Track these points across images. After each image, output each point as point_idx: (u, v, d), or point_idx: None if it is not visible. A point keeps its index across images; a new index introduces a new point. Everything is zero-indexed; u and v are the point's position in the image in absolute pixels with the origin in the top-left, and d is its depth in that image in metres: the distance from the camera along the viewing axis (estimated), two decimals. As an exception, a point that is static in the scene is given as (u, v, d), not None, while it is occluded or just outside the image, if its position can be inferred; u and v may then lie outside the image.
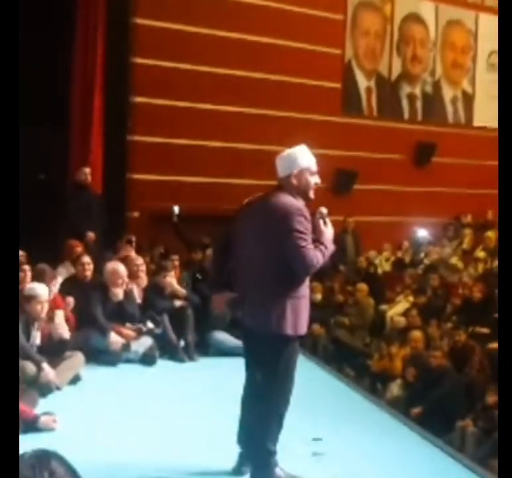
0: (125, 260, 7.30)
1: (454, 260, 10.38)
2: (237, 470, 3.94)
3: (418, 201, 12.20)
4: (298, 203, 3.74)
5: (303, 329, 3.80)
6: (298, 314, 3.73)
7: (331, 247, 3.79)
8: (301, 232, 3.62)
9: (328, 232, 3.82)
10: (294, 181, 3.79)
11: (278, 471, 3.80)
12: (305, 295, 3.81)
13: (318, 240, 3.74)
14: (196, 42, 10.74)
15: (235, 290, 3.94)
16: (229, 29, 11.03)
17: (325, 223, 3.85)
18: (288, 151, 3.89)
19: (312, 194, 3.86)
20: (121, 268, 6.75)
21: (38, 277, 6.20)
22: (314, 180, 3.87)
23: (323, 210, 3.88)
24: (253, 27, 11.17)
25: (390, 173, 12.36)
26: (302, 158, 3.85)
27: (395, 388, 6.68)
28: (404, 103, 13.12)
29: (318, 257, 3.65)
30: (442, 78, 13.49)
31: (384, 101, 12.85)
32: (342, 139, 11.91)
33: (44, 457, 1.82)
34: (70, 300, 6.47)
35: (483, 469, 4.48)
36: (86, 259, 7.01)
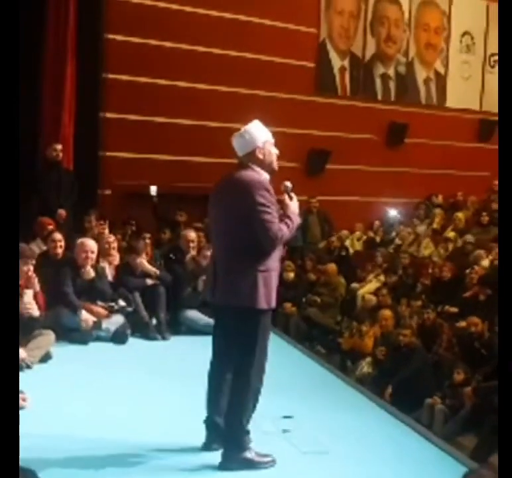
0: (97, 238, 7.26)
1: (425, 241, 10.47)
2: (208, 446, 3.97)
3: (390, 181, 12.25)
4: (260, 177, 3.80)
5: (274, 302, 3.82)
6: (270, 287, 3.76)
7: (296, 220, 3.88)
8: (264, 205, 3.68)
9: (293, 205, 3.91)
10: (260, 155, 3.85)
11: (250, 450, 3.82)
12: (275, 268, 3.82)
13: (283, 214, 3.82)
14: (171, 19, 10.62)
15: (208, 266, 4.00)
16: (205, 7, 10.92)
17: (290, 197, 3.93)
18: (246, 129, 3.92)
19: (275, 166, 3.94)
20: (90, 242, 6.70)
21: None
22: (275, 152, 3.95)
23: (288, 183, 3.97)
24: (229, 5, 11.07)
25: (362, 153, 12.38)
26: (262, 131, 3.92)
27: (365, 366, 6.76)
28: (378, 84, 13.12)
29: (283, 230, 3.72)
30: (415, 59, 13.49)
31: (358, 81, 12.84)
32: (315, 119, 11.90)
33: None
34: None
35: (450, 445, 4.55)
36: (57, 236, 6.97)
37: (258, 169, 3.84)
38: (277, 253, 3.83)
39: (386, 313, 7.13)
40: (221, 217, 3.85)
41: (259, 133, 3.90)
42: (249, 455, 3.80)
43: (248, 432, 3.84)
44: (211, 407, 3.95)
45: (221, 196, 3.88)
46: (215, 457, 3.82)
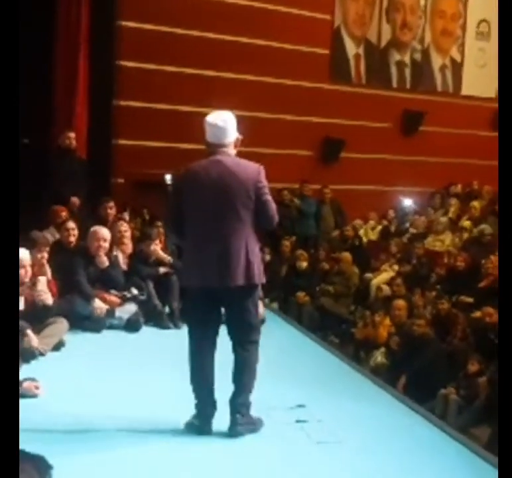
0: (110, 226, 7.25)
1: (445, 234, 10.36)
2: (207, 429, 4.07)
3: (405, 170, 12.17)
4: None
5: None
6: (262, 262, 4.11)
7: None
8: (268, 189, 4.02)
9: None
10: (237, 145, 4.10)
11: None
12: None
13: None
14: (184, 7, 10.56)
15: (198, 250, 4.01)
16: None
17: None
18: (228, 116, 4.08)
19: None
20: (102, 230, 6.69)
21: (30, 243, 6.13)
22: None
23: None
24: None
25: (377, 141, 12.29)
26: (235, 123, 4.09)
27: (379, 356, 6.73)
28: (393, 71, 13.02)
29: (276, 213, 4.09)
30: (431, 46, 13.37)
31: (373, 68, 12.74)
32: (330, 107, 11.83)
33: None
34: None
35: (464, 436, 4.52)
36: (71, 224, 6.97)
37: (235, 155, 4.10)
38: None
39: (400, 302, 7.09)
40: (221, 199, 3.93)
41: (235, 124, 4.08)
42: (252, 419, 4.10)
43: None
44: (211, 386, 4.09)
45: (219, 178, 3.95)
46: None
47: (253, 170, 3.99)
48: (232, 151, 4.06)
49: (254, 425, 4.09)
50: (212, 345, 4.09)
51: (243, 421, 4.01)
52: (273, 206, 4.03)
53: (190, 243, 4.14)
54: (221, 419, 4.06)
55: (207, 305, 4.05)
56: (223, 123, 4.02)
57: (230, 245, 3.92)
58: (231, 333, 4.10)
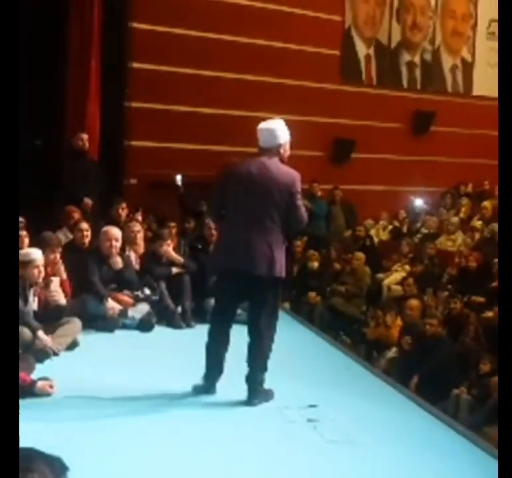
0: (123, 226, 7.29)
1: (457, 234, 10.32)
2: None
3: (416, 170, 12.16)
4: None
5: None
6: (283, 259, 4.51)
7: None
8: (300, 194, 4.49)
9: None
10: (282, 151, 4.54)
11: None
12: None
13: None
14: (196, 8, 10.60)
15: (230, 236, 4.56)
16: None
17: None
18: (278, 123, 4.58)
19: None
20: (114, 230, 6.72)
21: (43, 244, 6.17)
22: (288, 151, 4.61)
23: None
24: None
25: (388, 142, 12.29)
26: (287, 131, 4.58)
27: (391, 356, 6.72)
28: (404, 71, 13.01)
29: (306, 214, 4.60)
30: (441, 46, 13.36)
31: (384, 69, 12.74)
32: (340, 107, 11.83)
33: (25, 459, 1.81)
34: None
35: (476, 436, 4.52)
36: (84, 225, 7.00)
37: (279, 160, 4.54)
38: None
39: (414, 302, 7.07)
40: (258, 196, 4.41)
41: (285, 132, 4.56)
42: (265, 390, 4.58)
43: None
44: (222, 353, 4.63)
45: (257, 178, 4.44)
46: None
47: (290, 176, 4.47)
48: (277, 155, 4.52)
49: (267, 396, 4.57)
50: (228, 325, 4.64)
51: (258, 395, 4.52)
52: (303, 210, 4.52)
53: (224, 231, 4.78)
54: (225, 418, 4.08)
55: (231, 288, 4.58)
56: (270, 129, 4.52)
57: (258, 238, 4.40)
58: (250, 318, 4.62)
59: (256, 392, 4.53)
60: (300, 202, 4.50)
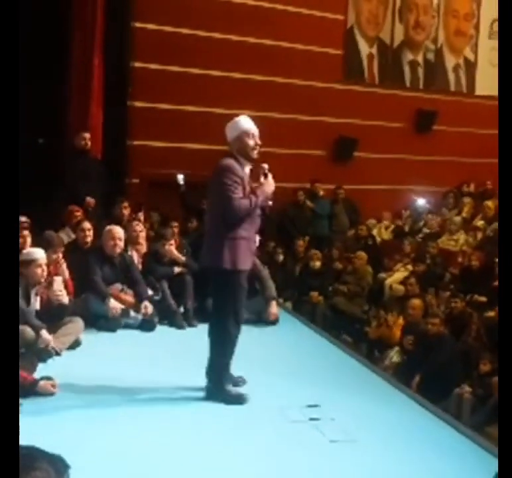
0: (125, 226, 7.29)
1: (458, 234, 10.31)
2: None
3: (418, 169, 12.14)
4: (230, 162, 4.49)
5: (242, 265, 4.53)
6: (236, 252, 4.48)
7: (262, 196, 4.53)
8: (227, 185, 4.41)
9: (266, 185, 4.58)
10: (236, 145, 4.56)
11: (229, 387, 4.61)
12: (244, 237, 4.53)
13: (252, 191, 4.51)
14: (199, 8, 10.60)
15: None
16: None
17: (265, 177, 4.59)
18: (232, 120, 4.64)
19: (253, 155, 4.56)
20: (117, 230, 6.71)
21: (45, 243, 6.18)
22: (254, 142, 4.56)
23: (265, 165, 4.61)
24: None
25: (390, 141, 12.28)
26: (239, 125, 4.59)
27: (394, 356, 6.73)
28: (406, 71, 12.99)
29: (242, 204, 4.41)
30: (444, 46, 13.33)
31: (386, 68, 12.73)
32: (343, 106, 11.82)
33: (28, 458, 1.82)
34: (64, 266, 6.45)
35: (478, 435, 4.53)
36: (86, 225, 7.01)
37: (236, 154, 4.55)
38: (248, 225, 4.52)
39: (416, 302, 7.07)
40: (208, 193, 4.74)
41: (236, 126, 4.59)
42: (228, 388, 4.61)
43: (228, 371, 4.66)
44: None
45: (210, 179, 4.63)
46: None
47: (218, 167, 4.53)
48: (233, 150, 4.58)
49: (226, 398, 4.57)
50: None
51: (211, 394, 4.59)
52: (229, 200, 4.40)
53: None
54: (227, 417, 4.08)
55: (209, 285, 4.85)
56: (226, 125, 4.67)
57: (207, 232, 4.73)
58: None
59: (208, 390, 4.58)
60: (226, 192, 4.40)
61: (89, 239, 6.94)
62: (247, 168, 4.61)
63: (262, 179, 4.60)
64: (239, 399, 4.55)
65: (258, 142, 4.57)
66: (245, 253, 4.55)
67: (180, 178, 9.96)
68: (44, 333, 5.32)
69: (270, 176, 4.60)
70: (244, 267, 4.56)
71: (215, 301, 4.71)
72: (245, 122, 4.61)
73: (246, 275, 4.67)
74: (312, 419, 4.34)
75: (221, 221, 4.51)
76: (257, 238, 4.83)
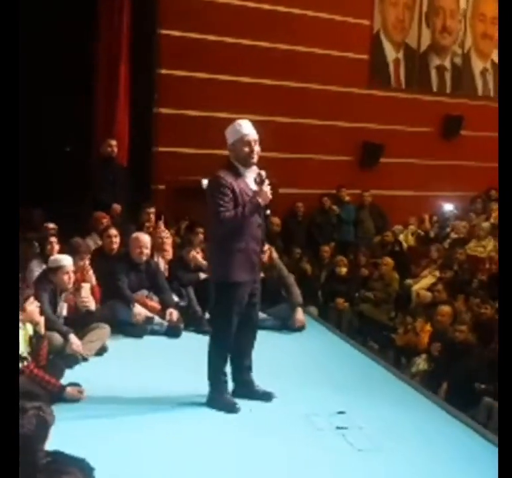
0: (152, 233, 7.32)
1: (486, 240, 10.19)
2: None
3: (445, 175, 12.05)
4: (219, 173, 4.45)
5: (237, 277, 4.42)
6: (229, 264, 4.40)
7: (250, 206, 4.35)
8: (213, 196, 4.35)
9: (259, 193, 4.39)
10: (232, 151, 4.50)
11: (228, 396, 4.59)
12: (241, 248, 4.40)
13: (249, 200, 4.37)
14: (223, 13, 10.62)
15: None
16: (257, 1, 10.91)
17: (261, 184, 4.40)
18: (231, 124, 4.53)
19: (249, 162, 4.45)
20: (144, 237, 6.73)
21: (72, 250, 6.22)
22: (249, 148, 4.43)
23: (262, 172, 4.44)
24: (282, -1, 11.06)
25: (417, 146, 12.20)
26: (236, 129, 4.49)
27: (421, 363, 6.66)
28: (433, 75, 12.92)
29: (226, 216, 4.30)
30: (471, 50, 13.24)
31: (413, 73, 12.66)
32: (369, 112, 11.77)
33: (57, 462, 1.85)
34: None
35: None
36: (113, 231, 7.04)
37: (233, 161, 4.49)
38: (245, 236, 4.39)
39: (445, 308, 6.99)
40: None
41: (231, 132, 4.50)
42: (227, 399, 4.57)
43: (225, 381, 4.62)
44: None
45: None
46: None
47: (208, 182, 4.62)
48: (230, 155, 4.54)
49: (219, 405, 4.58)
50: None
51: (209, 402, 4.61)
52: (213, 211, 4.35)
53: None
54: (253, 425, 4.06)
55: None
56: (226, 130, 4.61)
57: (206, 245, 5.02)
58: None
59: (207, 397, 4.60)
60: (211, 204, 4.36)
61: (115, 245, 6.97)
62: (249, 175, 4.48)
63: (255, 187, 4.45)
64: (230, 408, 4.51)
65: (255, 148, 4.45)
66: (242, 265, 4.44)
67: (205, 183, 9.97)
68: (73, 338, 5.36)
69: (265, 183, 4.42)
70: (239, 279, 4.45)
71: (211, 312, 4.79)
72: (241, 128, 4.49)
73: (246, 287, 4.53)
74: (338, 427, 4.31)
75: (212, 234, 4.57)
76: (262, 247, 4.71)
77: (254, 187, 4.44)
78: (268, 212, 4.54)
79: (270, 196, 4.41)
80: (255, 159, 4.47)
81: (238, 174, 4.46)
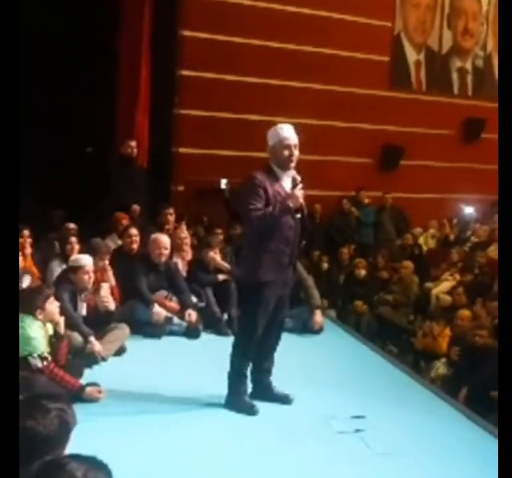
0: (170, 233, 7.33)
1: None
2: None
3: (466, 177, 11.99)
4: (254, 174, 4.43)
5: (264, 277, 4.44)
6: (258, 264, 4.44)
7: (279, 208, 4.34)
8: (246, 197, 4.38)
9: (290, 196, 4.38)
10: (271, 154, 4.51)
11: (246, 398, 4.60)
12: (270, 249, 4.43)
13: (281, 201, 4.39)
14: (245, 16, 10.64)
15: None
16: (280, 2, 10.91)
17: (294, 187, 4.43)
18: (273, 127, 4.55)
19: (287, 165, 4.46)
20: (163, 238, 6.74)
21: (91, 250, 6.25)
22: (288, 152, 4.44)
23: (297, 176, 4.49)
24: (304, 0, 11.01)
25: (438, 149, 12.15)
26: (277, 132, 4.50)
27: (441, 367, 6.61)
28: (454, 78, 12.86)
29: (254, 216, 4.31)
30: (493, 52, 13.16)
31: (434, 75, 12.61)
32: (390, 114, 11.74)
33: (92, 468, 1.85)
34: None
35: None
36: (134, 231, 7.05)
37: (271, 164, 4.50)
38: (275, 237, 4.42)
39: (465, 312, 6.94)
40: None
41: (273, 135, 4.51)
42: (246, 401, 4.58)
43: (245, 383, 4.64)
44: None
45: None
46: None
47: (243, 182, 4.62)
48: (269, 158, 4.54)
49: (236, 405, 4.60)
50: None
51: (227, 403, 4.64)
52: (243, 210, 4.46)
53: None
54: (271, 427, 4.05)
55: None
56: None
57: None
58: None
59: (226, 399, 4.62)
60: (244, 204, 4.40)
61: (135, 245, 6.98)
62: (286, 178, 4.50)
63: (289, 189, 4.48)
64: (249, 410, 4.52)
65: (294, 152, 4.46)
66: (269, 265, 4.45)
67: (224, 182, 9.98)
68: (93, 340, 5.38)
69: (298, 187, 4.41)
70: (265, 278, 4.45)
71: (239, 312, 4.87)
72: (282, 131, 4.49)
73: (274, 288, 4.50)
74: (357, 430, 4.29)
75: (246, 233, 4.66)
76: (295, 250, 4.61)
77: (289, 190, 4.46)
78: (298, 215, 4.50)
79: (302, 200, 4.40)
80: (293, 163, 4.48)
81: (274, 177, 4.48)
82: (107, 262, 6.33)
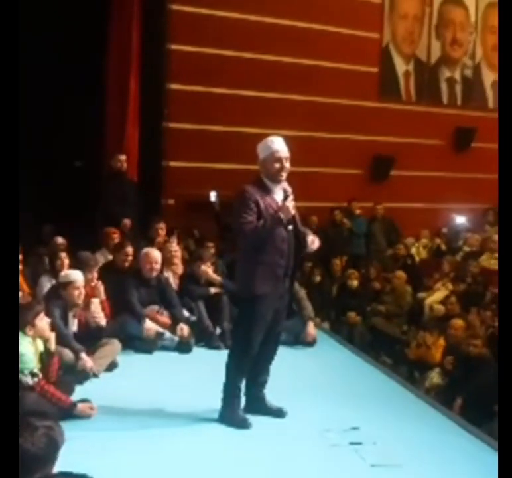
0: (162, 247, 7.29)
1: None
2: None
3: (457, 187, 12.01)
4: (245, 187, 4.42)
5: (258, 291, 4.39)
6: (251, 277, 4.41)
7: (274, 220, 4.32)
8: (237, 210, 4.37)
9: (281, 208, 4.36)
10: (261, 167, 4.50)
11: (240, 412, 4.56)
12: (264, 261, 4.39)
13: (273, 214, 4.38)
14: (233, 29, 10.65)
15: None
16: (266, 14, 10.93)
17: (285, 199, 4.41)
18: (264, 140, 4.54)
19: (278, 178, 4.45)
20: (154, 253, 6.69)
21: (80, 264, 6.21)
22: (280, 165, 4.42)
23: (288, 188, 4.50)
24: (290, 12, 11.05)
25: (428, 159, 12.17)
26: (268, 145, 4.48)
27: (435, 377, 6.58)
28: (443, 88, 12.90)
29: (246, 228, 4.31)
30: (482, 62, 13.22)
31: (423, 85, 12.65)
32: (379, 124, 11.76)
33: None
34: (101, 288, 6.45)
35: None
36: (129, 249, 6.98)
37: (262, 177, 4.49)
38: (269, 249, 4.37)
39: (458, 322, 6.92)
40: None
41: (262, 149, 4.51)
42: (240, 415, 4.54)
43: (239, 397, 4.58)
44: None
45: None
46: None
47: (236, 195, 4.54)
48: (260, 171, 4.53)
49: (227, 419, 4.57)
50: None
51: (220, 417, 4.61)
52: (235, 224, 4.47)
53: None
54: (265, 440, 4.01)
55: None
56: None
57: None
58: None
59: (219, 413, 4.58)
60: (235, 217, 4.41)
61: (127, 264, 6.95)
62: (278, 190, 4.48)
63: (280, 201, 4.44)
64: (242, 424, 4.48)
65: (286, 165, 4.43)
66: (264, 278, 4.40)
67: (213, 195, 9.95)
68: (84, 356, 5.32)
69: (289, 199, 4.39)
70: (260, 292, 4.40)
71: (234, 325, 4.90)
72: (273, 144, 4.47)
73: (270, 302, 4.45)
74: (352, 443, 4.25)
75: (239, 246, 4.60)
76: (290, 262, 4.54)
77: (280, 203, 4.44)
78: (290, 227, 4.45)
79: (293, 212, 4.37)
80: (284, 175, 4.46)
81: (266, 190, 4.46)
82: (95, 275, 6.28)
